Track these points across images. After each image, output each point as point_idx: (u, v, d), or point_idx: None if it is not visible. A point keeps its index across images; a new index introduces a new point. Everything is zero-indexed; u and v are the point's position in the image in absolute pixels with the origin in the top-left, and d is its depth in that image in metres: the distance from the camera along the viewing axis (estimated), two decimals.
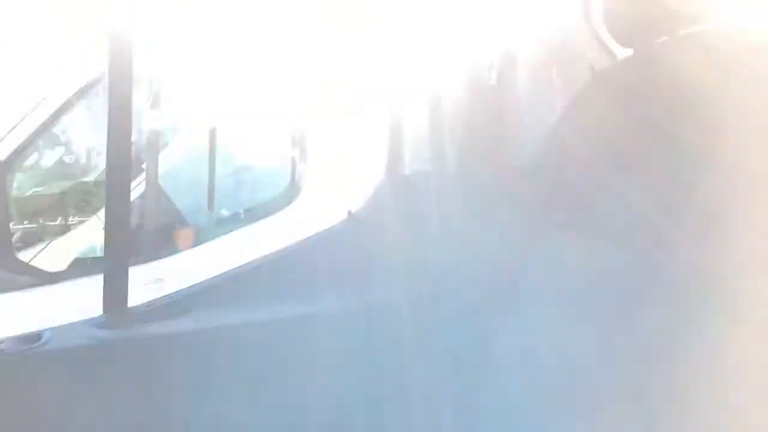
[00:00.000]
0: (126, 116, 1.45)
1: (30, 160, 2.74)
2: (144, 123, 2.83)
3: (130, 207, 1.55)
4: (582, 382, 1.36)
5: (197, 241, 2.65)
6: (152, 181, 2.82)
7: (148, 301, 1.56)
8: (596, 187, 1.39)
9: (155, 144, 2.87)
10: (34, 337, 1.40)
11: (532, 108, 1.55)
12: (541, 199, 1.48)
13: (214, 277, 1.63)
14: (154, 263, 2.48)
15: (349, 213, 1.65)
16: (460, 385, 1.56)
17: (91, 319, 1.47)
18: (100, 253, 2.21)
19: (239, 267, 1.66)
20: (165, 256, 2.53)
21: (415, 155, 1.67)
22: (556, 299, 1.45)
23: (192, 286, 1.62)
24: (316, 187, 2.65)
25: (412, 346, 1.52)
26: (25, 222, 2.75)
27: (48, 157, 2.84)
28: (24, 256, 2.60)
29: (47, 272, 2.50)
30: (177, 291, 1.61)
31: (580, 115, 1.46)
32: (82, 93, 2.56)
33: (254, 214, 2.71)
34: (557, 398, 1.40)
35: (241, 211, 2.86)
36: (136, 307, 1.53)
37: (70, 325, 1.47)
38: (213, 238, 2.63)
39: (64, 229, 2.83)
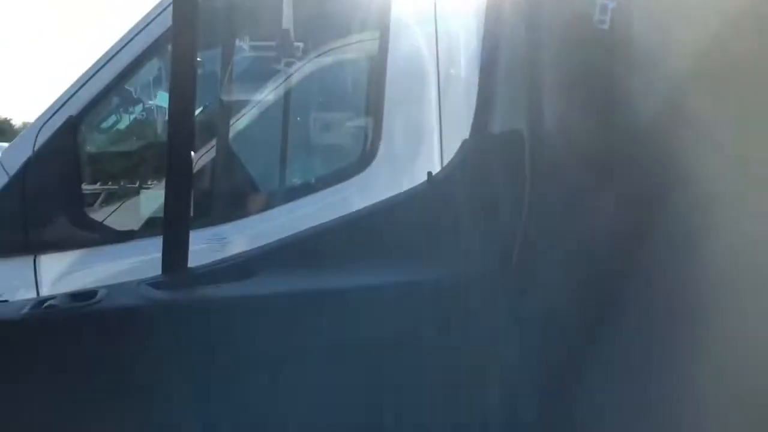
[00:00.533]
0: (189, 77, 1.35)
1: (105, 119, 2.70)
2: (218, 87, 2.76)
3: (191, 166, 1.44)
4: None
5: (268, 206, 2.56)
6: (224, 145, 2.74)
7: (209, 263, 1.46)
8: (738, 159, 1.14)
9: (228, 108, 2.80)
10: (89, 295, 1.32)
11: (652, 59, 1.31)
12: (660, 168, 1.24)
13: (281, 240, 1.50)
14: (222, 226, 2.41)
15: (430, 176, 1.46)
16: (550, 367, 1.36)
17: (148, 279, 1.38)
18: None
19: (308, 231, 1.52)
20: (234, 220, 2.46)
21: (507, 111, 1.46)
22: (674, 294, 1.21)
23: (256, 249, 1.50)
24: (393, 149, 2.50)
25: (496, 325, 1.33)
26: (100, 182, 2.72)
27: (124, 116, 2.79)
28: (98, 215, 2.58)
29: (118, 231, 2.47)
30: (240, 253, 1.49)
31: (714, 71, 1.21)
32: (155, 48, 2.50)
33: (327, 180, 2.58)
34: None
35: (313, 177, 2.74)
36: (195, 268, 1.43)
37: (126, 284, 1.38)
38: (284, 203, 2.54)
39: (139, 189, 2.79)
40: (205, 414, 1.32)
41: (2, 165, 2.32)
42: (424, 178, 1.51)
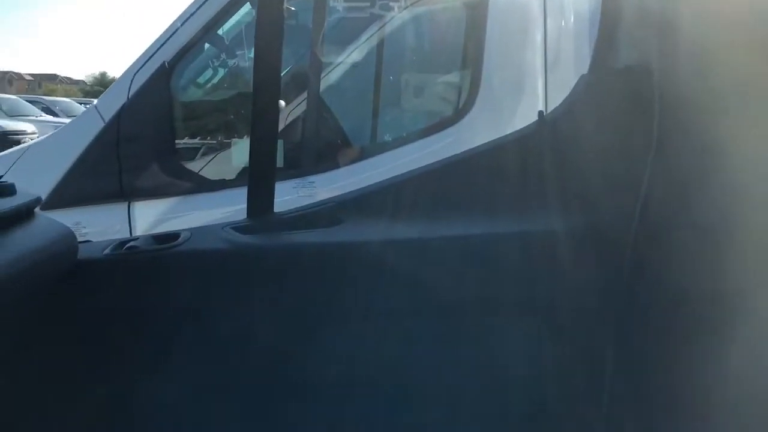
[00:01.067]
0: (276, 26, 1.28)
1: (197, 66, 2.67)
2: (311, 37, 2.67)
3: (277, 107, 1.35)
4: None
5: (360, 157, 2.46)
6: (319, 96, 2.66)
7: (295, 208, 1.37)
8: None
9: (323, 58, 2.70)
10: (171, 237, 1.27)
11: None
12: None
13: (370, 186, 1.38)
14: (317, 176, 2.35)
15: (541, 116, 1.29)
16: (674, 332, 1.18)
17: (233, 223, 1.32)
18: None
19: (398, 177, 1.40)
20: (330, 170, 2.39)
21: (633, 45, 1.27)
22: None
23: (344, 195, 1.40)
24: (492, 98, 2.33)
25: (616, 283, 1.17)
26: (193, 130, 2.71)
27: (216, 63, 2.75)
28: (190, 164, 2.57)
29: (210, 180, 2.45)
30: (328, 199, 1.40)
31: None
32: None
33: (422, 130, 2.45)
34: None
35: (408, 127, 2.61)
36: (281, 213, 1.35)
37: (210, 228, 1.32)
38: (377, 153, 2.43)
39: (231, 138, 2.75)
40: (287, 363, 1.25)
41: (98, 111, 2.33)
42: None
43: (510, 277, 1.26)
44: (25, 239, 1.06)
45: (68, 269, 1.15)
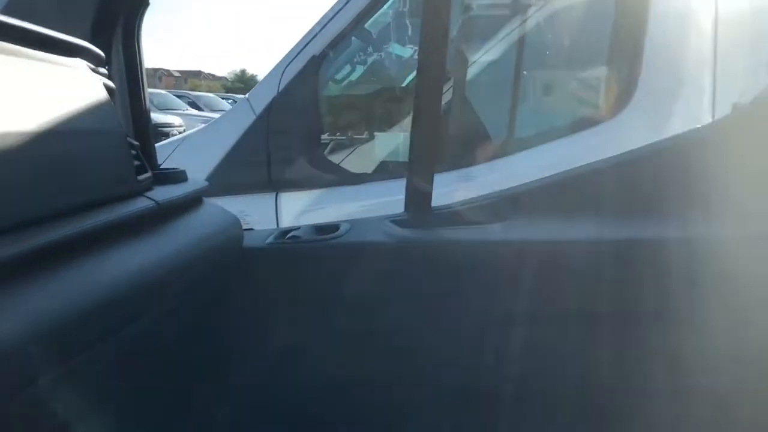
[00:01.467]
0: (442, 20, 1.24)
1: (345, 60, 2.69)
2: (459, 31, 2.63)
3: (440, 101, 1.31)
4: None
5: (503, 153, 2.38)
6: (465, 89, 2.60)
7: (454, 203, 1.33)
8: None
9: (469, 52, 2.65)
10: (332, 228, 1.27)
11: None
12: None
13: (537, 181, 1.31)
14: (468, 169, 2.30)
15: (735, 107, 1.16)
16: None
17: (391, 216, 1.30)
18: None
19: (565, 175, 1.31)
20: (471, 165, 2.33)
21: None
22: None
23: (505, 191, 1.33)
24: (651, 94, 2.16)
25: None
26: (344, 127, 2.74)
27: (363, 58, 2.77)
28: (335, 157, 2.60)
29: (353, 173, 2.47)
30: (487, 195, 1.34)
31: None
32: None
33: (573, 125, 2.32)
34: None
35: (559, 122, 2.49)
36: (439, 207, 1.31)
37: (369, 220, 1.31)
38: (527, 148, 2.34)
39: (375, 132, 2.76)
40: (439, 361, 1.21)
41: (250, 104, 2.41)
42: (684, 126, 1.22)
43: (687, 285, 1.14)
44: (198, 225, 1.08)
45: (235, 257, 1.17)
